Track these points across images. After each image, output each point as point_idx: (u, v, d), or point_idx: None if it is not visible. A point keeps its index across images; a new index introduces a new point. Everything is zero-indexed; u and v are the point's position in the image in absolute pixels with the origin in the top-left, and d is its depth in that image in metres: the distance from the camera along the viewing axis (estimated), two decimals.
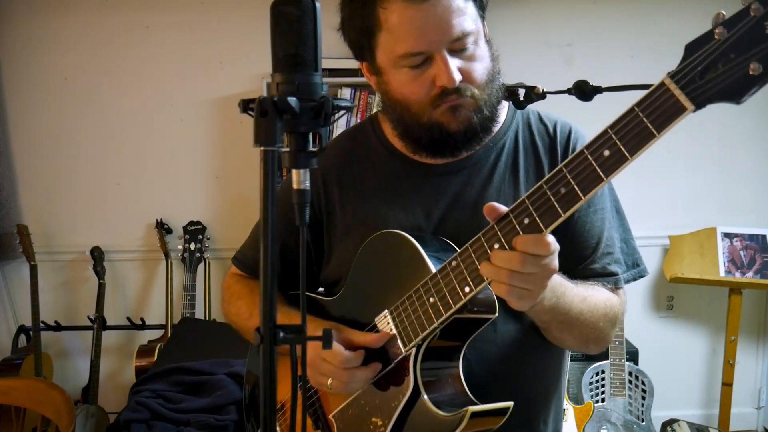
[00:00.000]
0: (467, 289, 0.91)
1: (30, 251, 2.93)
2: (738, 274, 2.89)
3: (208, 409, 2.16)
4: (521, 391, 1.06)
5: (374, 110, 2.89)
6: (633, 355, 2.90)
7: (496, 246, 0.87)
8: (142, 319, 3.09)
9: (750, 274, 2.88)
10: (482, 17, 1.02)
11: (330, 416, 1.11)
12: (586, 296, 1.01)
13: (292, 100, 0.69)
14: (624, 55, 3.02)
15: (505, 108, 1.15)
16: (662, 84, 0.73)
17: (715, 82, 0.69)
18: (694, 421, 2.85)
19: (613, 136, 0.77)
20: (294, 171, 0.72)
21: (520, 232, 0.85)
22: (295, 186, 0.72)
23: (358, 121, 2.90)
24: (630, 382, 2.83)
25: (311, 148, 0.73)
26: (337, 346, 1.01)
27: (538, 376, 1.13)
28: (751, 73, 0.67)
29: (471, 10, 0.98)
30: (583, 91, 0.91)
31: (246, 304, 1.22)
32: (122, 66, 3.05)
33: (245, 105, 0.71)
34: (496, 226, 0.88)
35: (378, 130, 1.18)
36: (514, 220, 0.86)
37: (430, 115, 1.01)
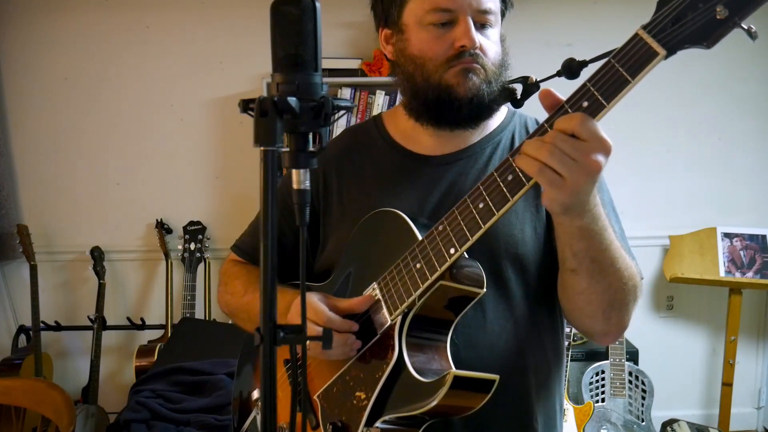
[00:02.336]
0: (452, 251, 0.92)
1: (30, 251, 2.93)
2: (738, 274, 2.89)
3: (208, 409, 2.16)
4: (511, 383, 1.04)
5: (374, 110, 2.91)
6: (633, 355, 2.90)
7: (481, 206, 0.89)
8: (142, 319, 3.09)
9: (750, 274, 2.88)
10: (503, 13, 1.10)
11: (314, 396, 1.09)
12: (620, 248, 0.98)
13: (292, 100, 0.69)
14: None
15: (504, 110, 1.17)
16: (636, 35, 0.78)
17: (685, 27, 0.74)
18: (694, 421, 2.85)
19: (591, 87, 0.81)
20: (294, 171, 0.72)
21: (506, 192, 0.87)
22: (295, 186, 0.72)
23: (358, 121, 2.90)
24: (630, 382, 2.83)
25: (311, 148, 0.73)
26: (320, 305, 1.01)
27: (530, 371, 1.10)
28: (717, 17, 0.72)
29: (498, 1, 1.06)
30: (571, 68, 0.92)
31: (242, 283, 1.23)
32: (122, 66, 3.05)
33: (245, 105, 0.71)
34: (481, 187, 0.90)
35: (381, 126, 1.21)
36: (498, 178, 0.88)
37: (442, 76, 1.04)
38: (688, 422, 2.80)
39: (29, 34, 3.00)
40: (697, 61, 3.06)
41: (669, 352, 3.25)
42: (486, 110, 1.07)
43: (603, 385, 2.84)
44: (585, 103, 0.81)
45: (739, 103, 3.13)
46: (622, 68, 0.78)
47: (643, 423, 2.78)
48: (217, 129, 3.12)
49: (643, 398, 2.81)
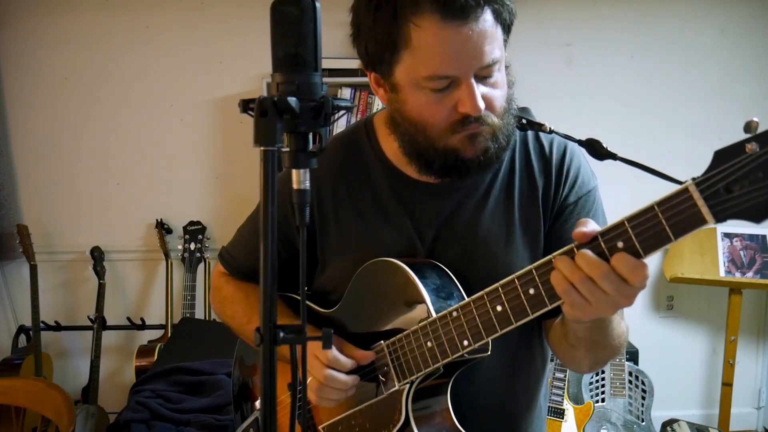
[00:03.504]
0: (465, 343, 0.94)
1: (30, 251, 2.93)
2: (738, 274, 2.89)
3: (208, 409, 2.16)
4: (503, 408, 1.09)
5: (374, 110, 2.90)
6: (633, 355, 2.90)
7: (499, 309, 0.90)
8: (142, 319, 3.09)
9: (750, 274, 2.88)
10: (506, 41, 0.99)
11: (320, 427, 1.13)
12: (620, 323, 1.00)
13: (292, 100, 0.69)
14: (624, 55, 3.02)
15: None
16: (686, 190, 0.71)
17: (740, 200, 0.67)
18: (694, 421, 2.85)
19: (630, 230, 0.76)
20: (294, 171, 0.72)
21: (527, 306, 0.87)
22: (295, 186, 0.72)
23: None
24: (630, 382, 2.83)
25: (311, 148, 0.73)
26: (334, 349, 1.05)
27: (522, 392, 1.15)
28: None
29: (500, 35, 0.95)
30: (595, 150, 0.90)
31: (243, 309, 1.21)
32: (122, 66, 3.05)
33: (245, 105, 0.71)
34: (501, 290, 0.90)
35: (373, 140, 1.13)
36: (519, 288, 0.88)
37: (447, 141, 0.97)
38: (688, 422, 2.80)
39: (29, 34, 3.00)
40: (698, 63, 3.06)
41: (669, 352, 3.25)
42: (497, 159, 1.02)
43: (603, 385, 2.83)
44: (620, 244, 0.77)
45: (740, 104, 3.12)
46: (666, 223, 0.72)
47: (643, 423, 2.78)
48: (217, 129, 3.12)
49: (643, 398, 2.81)
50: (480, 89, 0.93)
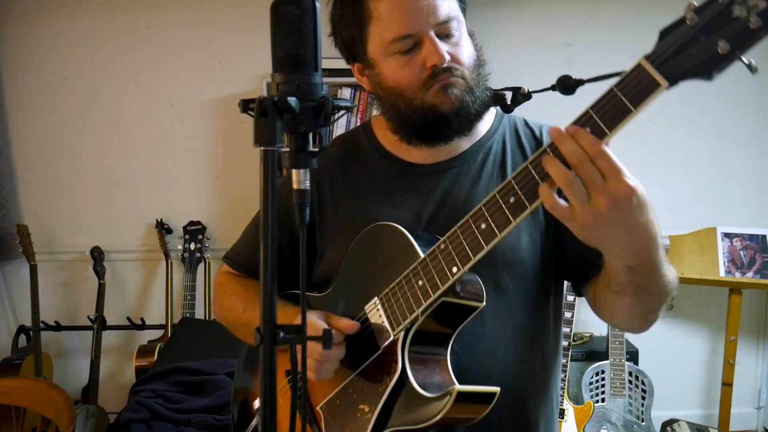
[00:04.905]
0: (455, 269, 0.93)
1: (30, 251, 2.93)
2: (738, 274, 2.89)
3: (208, 409, 2.16)
4: (511, 387, 1.06)
5: (374, 111, 2.90)
6: (633, 355, 2.90)
7: (483, 226, 0.89)
8: (142, 319, 3.09)
9: (750, 274, 2.88)
10: (463, 10, 1.07)
11: (317, 408, 1.10)
12: (669, 267, 0.96)
13: (292, 100, 0.69)
14: (624, 55, 3.00)
15: (492, 113, 1.17)
16: (638, 65, 0.79)
17: (687, 60, 0.76)
18: (694, 421, 2.85)
19: (594, 114, 0.81)
20: (294, 171, 0.72)
21: (509, 214, 0.87)
22: (295, 186, 0.73)
23: (358, 120, 2.90)
24: (630, 382, 2.83)
25: (311, 148, 0.73)
26: (317, 320, 1.03)
27: (529, 375, 1.12)
28: (719, 51, 0.73)
29: (454, 1, 1.04)
30: (566, 85, 0.92)
31: (240, 300, 1.23)
32: (122, 66, 3.05)
33: (245, 105, 0.71)
34: (483, 207, 0.90)
35: (371, 135, 1.21)
36: (500, 200, 0.88)
37: (423, 98, 1.03)
38: (688, 422, 2.80)
39: (29, 34, 3.00)
40: None
41: (669, 352, 3.25)
42: (475, 116, 1.07)
43: (603, 385, 2.84)
44: (588, 130, 0.81)
45: (739, 103, 3.13)
46: (624, 97, 0.79)
47: (643, 423, 2.78)
48: (217, 129, 3.12)
49: (643, 398, 2.81)
50: (444, 46, 1.01)
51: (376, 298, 1.04)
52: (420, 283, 0.97)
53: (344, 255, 1.12)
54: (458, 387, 0.92)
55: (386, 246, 1.05)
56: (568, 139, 0.80)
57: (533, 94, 1.02)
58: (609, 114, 0.80)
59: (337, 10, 1.07)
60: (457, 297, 0.97)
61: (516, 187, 0.86)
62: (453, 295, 0.96)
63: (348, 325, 1.04)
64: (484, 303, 0.99)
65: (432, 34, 1.01)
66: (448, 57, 1.01)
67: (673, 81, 0.77)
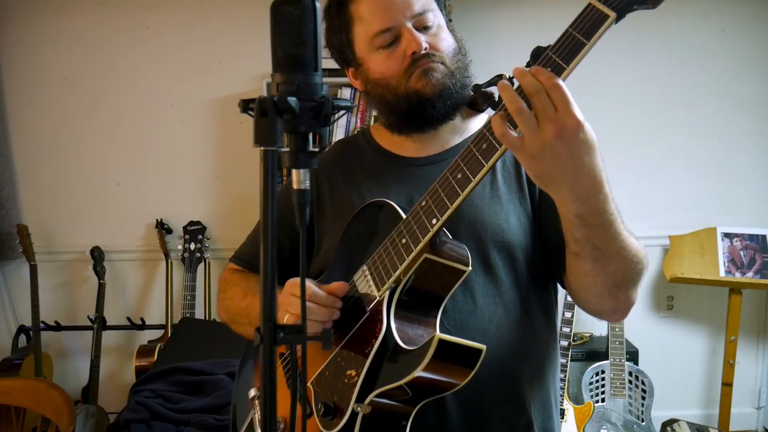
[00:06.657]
0: (434, 221, 0.95)
1: (30, 251, 2.93)
2: (738, 274, 2.89)
3: (208, 409, 2.16)
4: (503, 367, 1.07)
5: (374, 111, 2.90)
6: (633, 355, 2.90)
7: (459, 176, 0.92)
8: (142, 319, 3.09)
9: (750, 274, 2.88)
10: (441, 4, 1.15)
11: (309, 384, 1.09)
12: (629, 238, 0.96)
13: (292, 100, 0.69)
14: (624, 55, 3.02)
15: (485, 116, 1.21)
16: (588, 4, 0.85)
17: None
18: (694, 421, 2.85)
19: (551, 54, 0.86)
20: (294, 171, 0.72)
21: (481, 159, 0.89)
22: (295, 186, 0.73)
23: (358, 121, 2.90)
24: (630, 382, 2.83)
25: (311, 148, 0.73)
26: (308, 283, 1.04)
27: (522, 357, 1.12)
28: None
29: None
30: (539, 55, 0.94)
31: (241, 288, 1.26)
32: (122, 66, 3.05)
33: (245, 105, 0.71)
34: (459, 159, 0.93)
35: (368, 136, 1.28)
36: (474, 149, 0.91)
37: (407, 85, 1.10)
38: (688, 422, 2.80)
39: (29, 34, 3.00)
40: (697, 62, 3.06)
41: (669, 352, 3.25)
42: (460, 99, 1.11)
43: (603, 385, 2.84)
44: (548, 69, 0.85)
45: (739, 103, 3.13)
46: (578, 34, 0.85)
47: (643, 423, 2.78)
48: (217, 129, 3.12)
49: (643, 398, 2.81)
50: (422, 36, 1.09)
51: (363, 265, 1.07)
52: (403, 241, 0.99)
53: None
54: (440, 335, 0.90)
55: (374, 221, 1.09)
56: (528, 75, 0.84)
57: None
58: (566, 51, 0.86)
59: (325, 19, 1.17)
60: (440, 256, 0.97)
61: (488, 134, 0.89)
62: (436, 254, 0.97)
63: (337, 285, 1.05)
64: (470, 267, 0.99)
65: (409, 25, 1.08)
66: (426, 44, 1.08)
67: (620, 12, 0.84)
